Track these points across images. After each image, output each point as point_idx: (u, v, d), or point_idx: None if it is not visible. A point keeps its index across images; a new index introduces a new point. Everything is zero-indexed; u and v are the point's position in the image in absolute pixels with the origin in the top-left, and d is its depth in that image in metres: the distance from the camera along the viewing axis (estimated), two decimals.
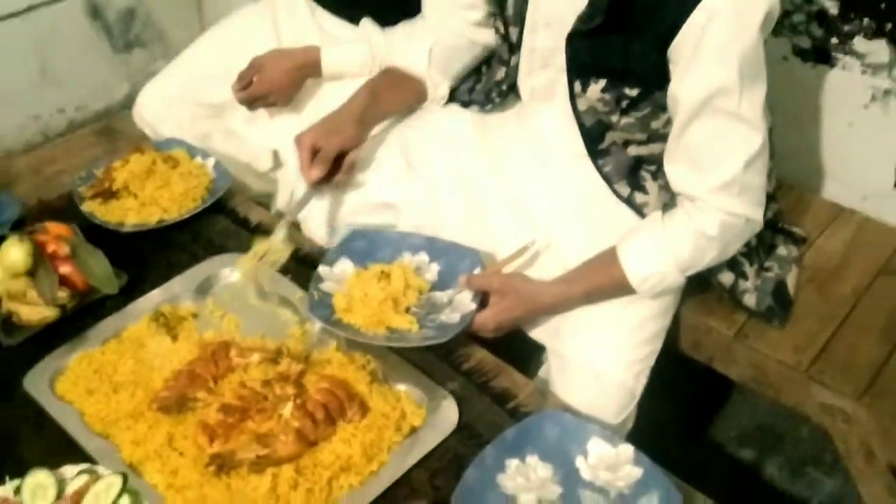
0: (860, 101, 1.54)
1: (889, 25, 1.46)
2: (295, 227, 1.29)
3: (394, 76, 1.46)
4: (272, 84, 1.56)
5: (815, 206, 1.59)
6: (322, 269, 1.26)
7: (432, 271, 1.28)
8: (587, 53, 1.21)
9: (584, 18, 1.17)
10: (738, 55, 1.09)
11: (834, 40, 1.53)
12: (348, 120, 1.36)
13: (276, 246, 1.26)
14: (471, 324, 1.20)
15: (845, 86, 1.55)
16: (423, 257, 1.29)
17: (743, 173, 1.15)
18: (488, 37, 1.46)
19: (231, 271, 1.31)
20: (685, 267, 1.19)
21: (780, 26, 1.56)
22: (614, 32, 1.16)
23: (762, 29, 1.11)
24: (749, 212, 1.19)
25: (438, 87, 1.47)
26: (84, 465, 1.01)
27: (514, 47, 1.35)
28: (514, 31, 1.33)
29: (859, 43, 1.50)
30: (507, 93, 1.43)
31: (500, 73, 1.41)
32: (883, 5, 1.45)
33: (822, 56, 1.56)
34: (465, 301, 1.22)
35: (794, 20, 1.55)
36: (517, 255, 1.28)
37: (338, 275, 1.26)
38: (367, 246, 1.29)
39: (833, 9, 1.51)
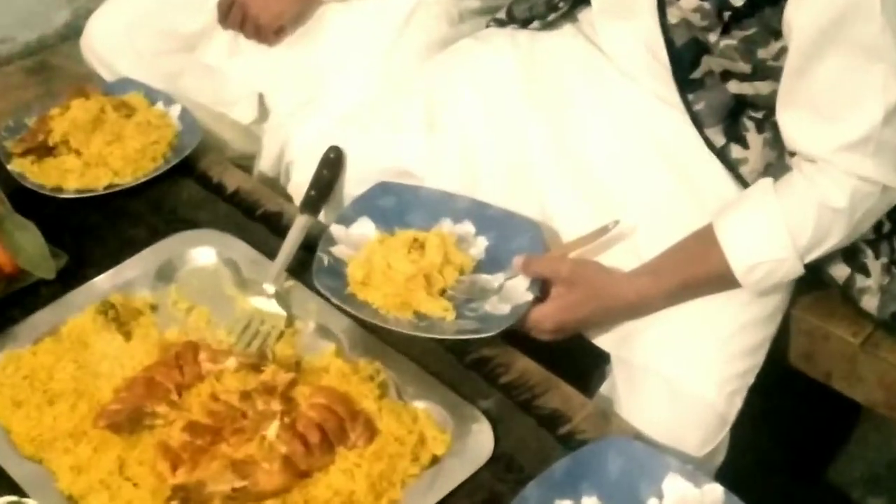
0: None
1: None
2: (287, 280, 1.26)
3: None
4: None
5: None
6: (335, 230, 1.26)
7: (479, 246, 1.28)
8: None
9: None
10: None
11: None
12: None
13: (265, 312, 1.23)
14: (524, 319, 1.20)
15: None
16: (469, 227, 1.29)
17: (881, 128, 1.13)
18: None
19: (201, 252, 1.31)
20: (805, 251, 1.18)
21: None
22: None
23: None
24: (887, 178, 1.17)
25: None
26: (11, 498, 1.01)
27: None
28: None
29: None
30: (570, 9, 1.43)
31: None
32: None
33: None
34: (518, 289, 1.22)
35: None
36: (594, 236, 1.27)
37: (356, 238, 1.27)
38: (396, 205, 1.31)
39: None
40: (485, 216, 1.30)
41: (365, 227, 1.28)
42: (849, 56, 1.12)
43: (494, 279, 1.25)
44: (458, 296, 1.22)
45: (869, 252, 1.33)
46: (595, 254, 1.29)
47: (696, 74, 1.29)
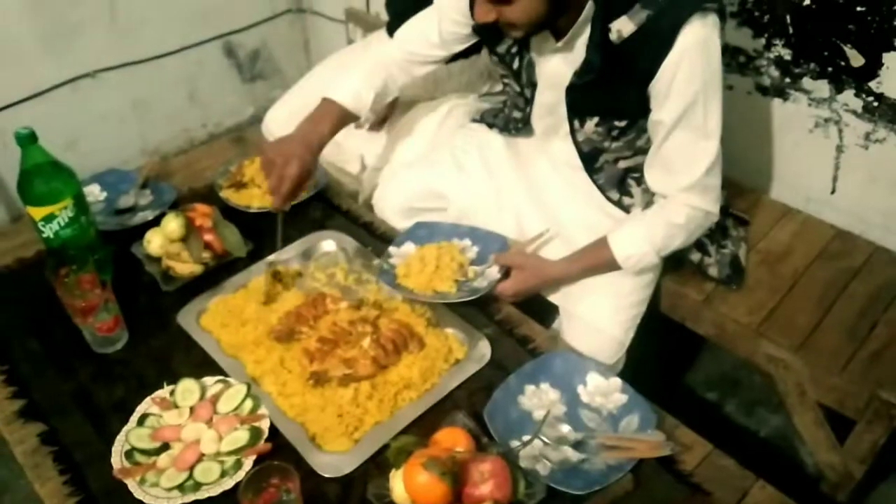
0: (806, 126, 1.49)
1: (830, 69, 1.40)
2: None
3: (338, 110, 1.31)
4: None
5: (769, 205, 1.55)
6: (391, 249, 1.25)
7: (472, 251, 1.25)
8: (582, 99, 1.18)
9: (580, 74, 1.14)
10: (702, 78, 1.06)
11: (787, 80, 1.48)
12: (307, 150, 1.24)
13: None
14: (495, 290, 1.19)
15: (795, 114, 1.49)
16: (467, 241, 1.27)
17: (704, 177, 1.13)
18: (421, 71, 1.36)
19: (327, 243, 1.29)
20: (659, 249, 1.17)
21: (747, 68, 1.51)
22: (604, 82, 1.12)
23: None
24: (708, 206, 1.16)
25: (366, 121, 1.36)
26: (220, 377, 1.03)
27: (528, 102, 1.30)
28: (528, 91, 1.28)
29: (807, 82, 1.45)
30: (523, 128, 1.38)
31: (518, 115, 1.37)
32: (826, 53, 1.39)
33: (777, 92, 1.50)
34: (493, 273, 1.21)
35: (757, 64, 1.50)
36: (535, 239, 1.27)
37: (402, 252, 1.25)
38: (426, 233, 1.28)
39: (787, 56, 1.45)
40: (476, 234, 1.27)
41: (409, 247, 1.25)
42: (688, 133, 1.10)
43: (480, 269, 1.22)
44: (460, 280, 1.19)
45: (708, 242, 1.33)
46: (542, 250, 1.28)
47: (598, 164, 1.27)
